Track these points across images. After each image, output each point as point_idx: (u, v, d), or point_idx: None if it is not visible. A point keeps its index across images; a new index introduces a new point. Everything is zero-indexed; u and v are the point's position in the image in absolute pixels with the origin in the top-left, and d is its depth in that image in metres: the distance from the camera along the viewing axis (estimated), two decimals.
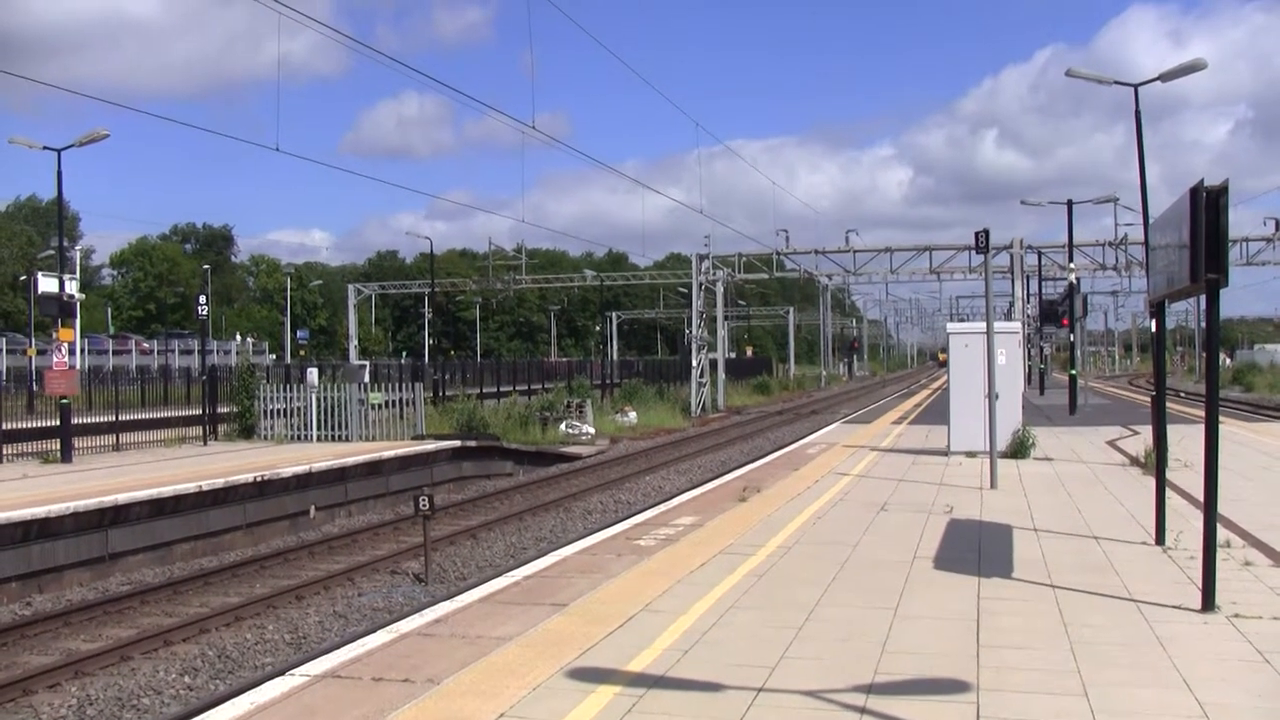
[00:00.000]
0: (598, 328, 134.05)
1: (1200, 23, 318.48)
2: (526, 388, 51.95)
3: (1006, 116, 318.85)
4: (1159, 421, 12.71)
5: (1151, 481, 13.13)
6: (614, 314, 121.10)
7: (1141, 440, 23.00)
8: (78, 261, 74.53)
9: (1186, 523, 12.88)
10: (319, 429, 30.63)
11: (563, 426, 37.19)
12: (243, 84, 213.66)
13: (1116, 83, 27.61)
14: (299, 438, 30.57)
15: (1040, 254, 53.03)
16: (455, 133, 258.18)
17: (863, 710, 6.82)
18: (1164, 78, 27.08)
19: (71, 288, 26.73)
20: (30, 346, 52.69)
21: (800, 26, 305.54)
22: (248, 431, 31.21)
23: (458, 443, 29.95)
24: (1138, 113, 26.23)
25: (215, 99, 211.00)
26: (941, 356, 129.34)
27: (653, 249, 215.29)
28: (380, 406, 31.46)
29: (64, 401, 25.21)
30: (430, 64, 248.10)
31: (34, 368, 49.20)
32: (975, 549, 12.36)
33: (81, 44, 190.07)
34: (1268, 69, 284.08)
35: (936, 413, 33.65)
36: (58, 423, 25.37)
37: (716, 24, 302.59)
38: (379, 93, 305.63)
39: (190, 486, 19.66)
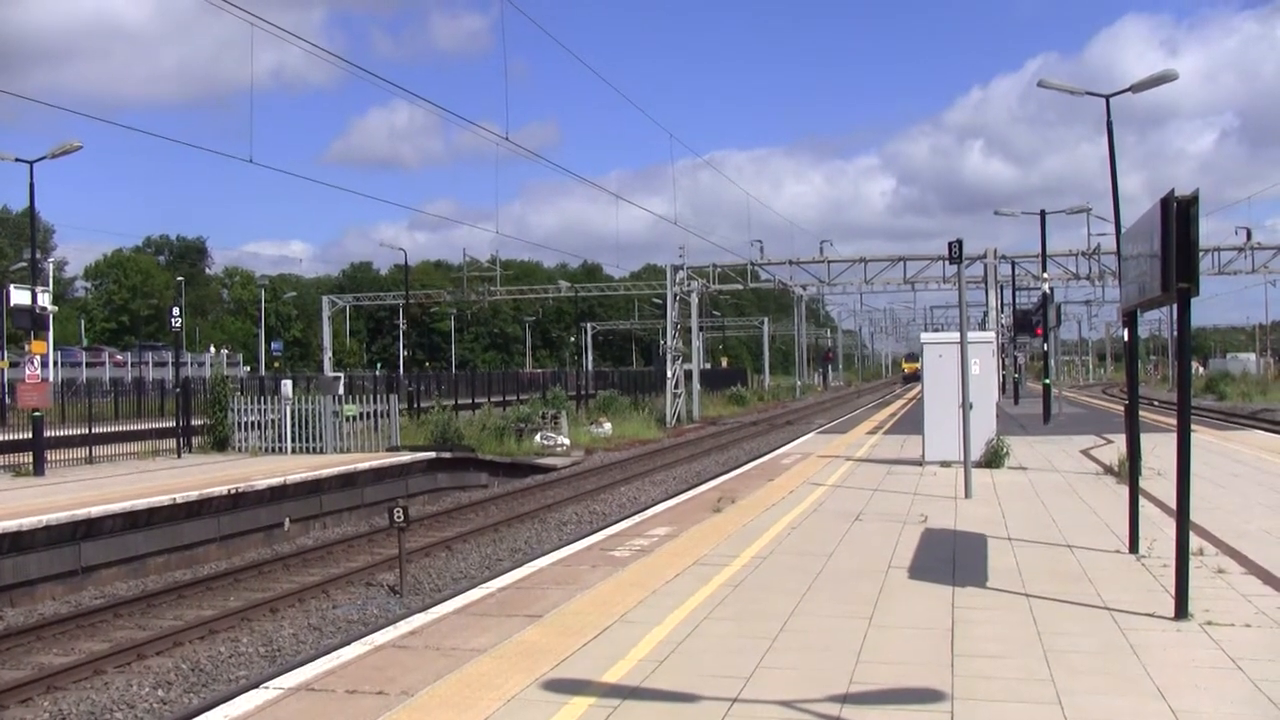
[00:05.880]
0: (573, 339, 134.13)
1: (1192, 32, 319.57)
2: (501, 399, 51.86)
3: (994, 126, 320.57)
4: (1132, 430, 12.74)
5: (1125, 490, 13.18)
6: (589, 325, 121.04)
7: (1115, 449, 23.10)
8: (50, 274, 74.08)
9: (1160, 531, 12.95)
10: (293, 441, 30.51)
11: (538, 438, 37.12)
12: (235, 93, 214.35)
13: (1088, 93, 27.87)
14: (273, 450, 30.44)
15: (1014, 264, 53.30)
16: (444, 143, 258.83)
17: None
18: (1135, 89, 27.34)
19: (44, 300, 26.67)
20: (2, 359, 52.31)
21: (790, 37, 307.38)
22: (222, 444, 31.06)
23: (433, 454, 29.88)
24: (1109, 123, 26.50)
25: (205, 108, 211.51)
26: (907, 367, 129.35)
27: (634, 259, 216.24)
28: (355, 418, 31.36)
29: (36, 414, 25.05)
30: (427, 73, 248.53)
31: (6, 380, 48.85)
32: (950, 558, 12.39)
33: (72, 51, 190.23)
34: (1256, 78, 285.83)
35: (911, 423, 33.75)
36: (30, 435, 25.20)
37: (704, 35, 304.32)
38: (371, 101, 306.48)
39: (164, 499, 19.56)
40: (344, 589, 17.06)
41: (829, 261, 55.05)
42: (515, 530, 22.73)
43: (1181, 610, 9.25)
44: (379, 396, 33.79)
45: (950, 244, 18.73)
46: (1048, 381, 42.32)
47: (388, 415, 31.75)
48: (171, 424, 31.14)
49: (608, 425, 45.41)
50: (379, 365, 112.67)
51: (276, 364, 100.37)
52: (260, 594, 16.77)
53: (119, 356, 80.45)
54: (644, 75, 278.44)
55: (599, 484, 30.05)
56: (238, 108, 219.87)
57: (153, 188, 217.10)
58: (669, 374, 56.12)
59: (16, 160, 29.93)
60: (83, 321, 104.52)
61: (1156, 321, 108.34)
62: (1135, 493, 12.45)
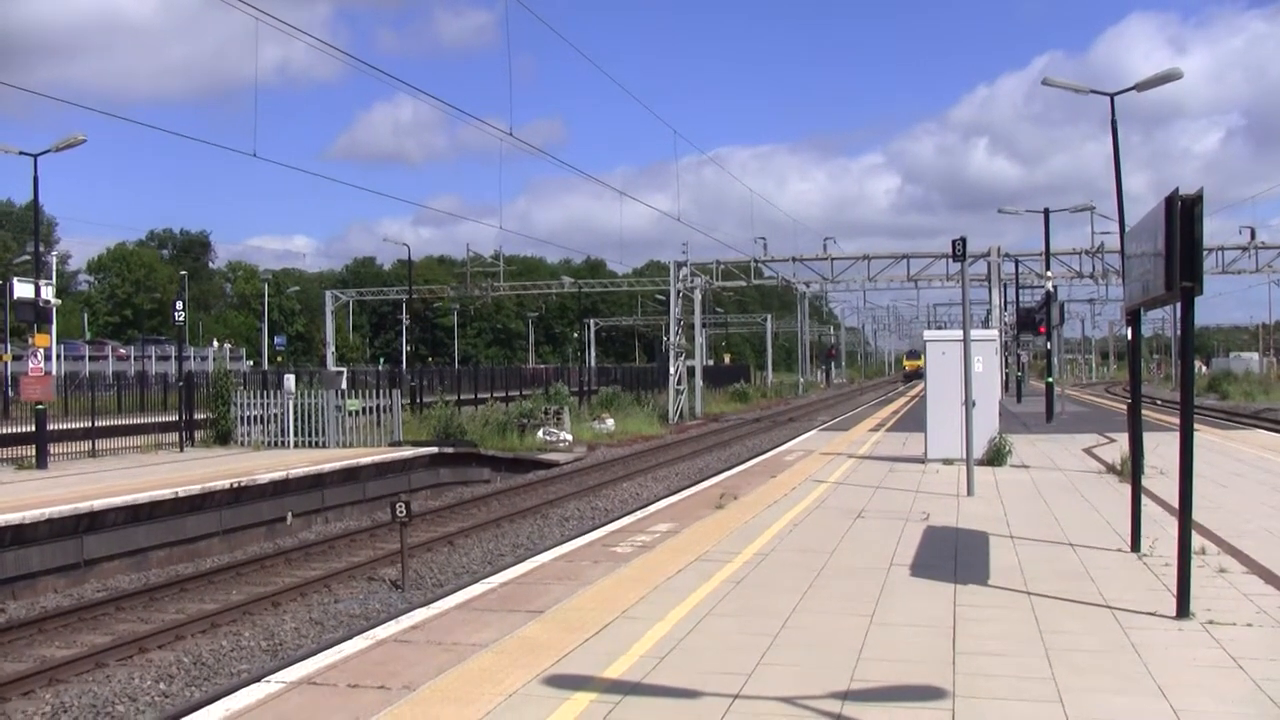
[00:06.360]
0: (575, 335, 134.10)
1: (1199, 31, 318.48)
2: (504, 394, 51.87)
3: (999, 124, 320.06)
4: (1135, 429, 12.74)
5: (1127, 489, 13.17)
6: (592, 321, 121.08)
7: (1118, 448, 23.09)
8: (54, 267, 74.26)
9: (1162, 530, 12.94)
10: (296, 435, 30.53)
11: (540, 433, 37.14)
12: (240, 89, 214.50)
13: (1093, 92, 27.87)
14: (276, 444, 30.47)
15: (1018, 262, 53.29)
16: (449, 138, 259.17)
17: (839, 717, 6.83)
18: (1139, 87, 27.34)
19: (47, 293, 26.58)
20: (5, 352, 52.38)
21: (795, 35, 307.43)
22: (224, 438, 31.08)
23: (435, 449, 29.87)
24: (1114, 122, 26.49)
25: (211, 103, 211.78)
26: (908, 365, 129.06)
27: (637, 256, 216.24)
28: (357, 413, 31.36)
29: (40, 407, 25.07)
30: (432, 69, 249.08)
31: (9, 373, 48.96)
32: (952, 556, 12.39)
33: (78, 46, 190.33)
34: (1262, 77, 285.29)
35: (913, 420, 33.74)
36: (33, 428, 25.21)
37: (709, 33, 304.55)
38: (376, 97, 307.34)
39: (166, 493, 19.57)
40: (346, 583, 17.06)
41: (832, 259, 55.13)
42: (517, 525, 22.74)
43: (1183, 609, 9.25)
44: (382, 391, 33.80)
45: (954, 242, 18.73)
46: (1050, 380, 42.30)
47: (390, 410, 31.74)
48: (174, 418, 31.15)
49: (610, 421, 45.42)
50: (382, 360, 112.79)
51: (279, 358, 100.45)
52: (262, 588, 16.78)
53: (122, 350, 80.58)
54: (649, 72, 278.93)
55: (601, 480, 30.05)
56: (242, 103, 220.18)
57: (157, 182, 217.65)
58: (672, 370, 56.16)
59: (20, 153, 29.95)
60: (86, 315, 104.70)
61: (1160, 320, 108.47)
62: (1137, 491, 12.44)
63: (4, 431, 27.06)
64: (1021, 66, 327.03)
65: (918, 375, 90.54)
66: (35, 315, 26.22)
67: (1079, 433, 31.72)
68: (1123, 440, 21.07)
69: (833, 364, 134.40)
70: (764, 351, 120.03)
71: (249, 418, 31.32)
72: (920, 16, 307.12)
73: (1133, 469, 12.69)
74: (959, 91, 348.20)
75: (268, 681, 7.89)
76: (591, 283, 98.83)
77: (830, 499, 17.65)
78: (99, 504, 18.12)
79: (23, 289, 26.14)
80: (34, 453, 24.86)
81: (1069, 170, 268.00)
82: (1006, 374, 52.28)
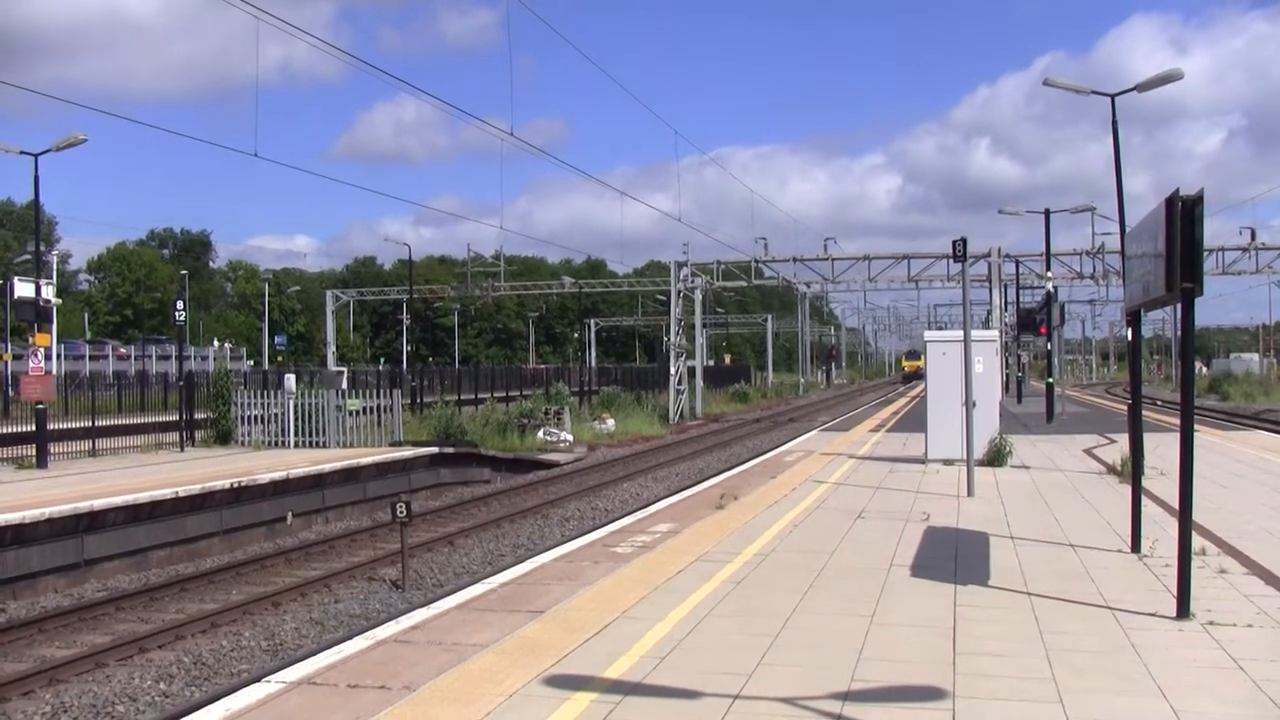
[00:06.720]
0: (576, 335, 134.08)
1: (1200, 32, 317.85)
2: (505, 394, 51.87)
3: (1001, 125, 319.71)
4: (1135, 430, 12.74)
5: (1128, 490, 13.17)
6: (592, 321, 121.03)
7: (1118, 448, 23.09)
8: (54, 266, 74.23)
9: (1162, 530, 12.94)
10: (296, 435, 30.54)
11: (541, 433, 37.13)
12: (241, 88, 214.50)
13: (1094, 92, 27.89)
14: (276, 444, 30.47)
15: (1018, 263, 53.28)
16: (450, 138, 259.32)
17: (839, 717, 6.83)
18: (1140, 88, 27.36)
19: (48, 293, 26.58)
20: (6, 352, 52.39)
21: (797, 35, 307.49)
22: (225, 437, 31.08)
23: (435, 449, 29.87)
24: (1114, 122, 26.52)
25: (212, 103, 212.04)
26: (907, 365, 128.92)
27: (638, 256, 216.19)
28: (358, 413, 31.36)
29: (40, 406, 25.07)
30: (434, 69, 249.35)
31: (10, 373, 48.97)
32: (952, 557, 12.39)
33: (79, 45, 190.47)
34: (1264, 78, 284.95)
35: (914, 421, 33.72)
36: (33, 428, 25.22)
37: (710, 33, 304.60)
38: (378, 96, 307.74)
39: (167, 492, 19.57)
40: (346, 583, 17.06)
41: (833, 259, 55.13)
42: (518, 526, 22.74)
43: (1183, 610, 9.25)
44: (382, 391, 33.81)
45: (954, 242, 18.72)
46: (1051, 380, 42.29)
47: (391, 410, 31.74)
48: (174, 418, 31.15)
49: (610, 421, 45.41)
50: (382, 360, 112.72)
51: (280, 358, 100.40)
52: (262, 588, 16.78)
53: (122, 350, 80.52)
54: (649, 73, 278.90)
55: (602, 480, 30.05)
56: (244, 102, 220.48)
57: (158, 181, 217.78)
58: (672, 370, 56.18)
59: (21, 153, 29.98)
60: (86, 315, 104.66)
61: (1160, 321, 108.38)
62: (1138, 492, 12.44)
63: (4, 431, 27.06)
64: (1023, 67, 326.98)
65: (917, 376, 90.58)
66: (36, 315, 26.23)
67: (1079, 433, 31.71)
68: (1123, 441, 21.07)
69: (833, 364, 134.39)
70: (764, 352, 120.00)
71: (249, 417, 31.33)
72: (920, 16, 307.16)
73: (1133, 470, 12.69)
74: (960, 92, 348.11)
75: (268, 681, 7.89)
76: (592, 283, 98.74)
77: (830, 499, 17.64)
78: (99, 504, 18.12)
79: (23, 288, 26.15)
80: (34, 452, 24.87)
81: (1070, 171, 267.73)
82: (1007, 375, 52.27)
